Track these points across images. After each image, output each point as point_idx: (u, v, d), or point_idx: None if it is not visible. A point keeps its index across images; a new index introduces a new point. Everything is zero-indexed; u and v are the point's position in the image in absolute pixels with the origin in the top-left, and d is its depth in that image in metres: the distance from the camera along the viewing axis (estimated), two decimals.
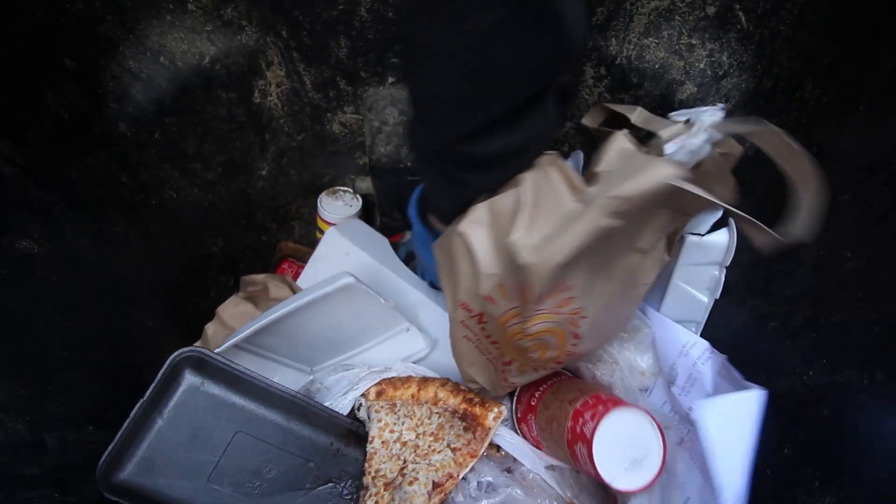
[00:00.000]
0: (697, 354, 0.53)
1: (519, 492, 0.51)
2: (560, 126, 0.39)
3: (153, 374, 0.46)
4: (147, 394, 0.46)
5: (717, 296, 0.58)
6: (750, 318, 0.56)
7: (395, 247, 0.77)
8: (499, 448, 0.55)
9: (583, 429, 0.44)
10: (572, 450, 0.45)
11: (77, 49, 0.52)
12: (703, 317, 0.60)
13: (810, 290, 0.48)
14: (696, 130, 0.43)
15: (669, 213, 0.40)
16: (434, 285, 0.66)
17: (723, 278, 0.57)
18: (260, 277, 0.68)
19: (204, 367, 0.48)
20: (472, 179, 0.40)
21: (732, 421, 0.44)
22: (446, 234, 0.45)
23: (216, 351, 0.52)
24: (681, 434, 0.53)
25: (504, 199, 0.41)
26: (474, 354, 0.51)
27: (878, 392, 0.40)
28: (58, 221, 0.51)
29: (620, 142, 0.40)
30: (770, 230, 0.36)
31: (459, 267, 0.43)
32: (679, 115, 0.53)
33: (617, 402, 0.44)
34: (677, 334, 0.55)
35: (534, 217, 0.39)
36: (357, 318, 0.59)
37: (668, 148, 0.43)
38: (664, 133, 0.42)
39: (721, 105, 0.50)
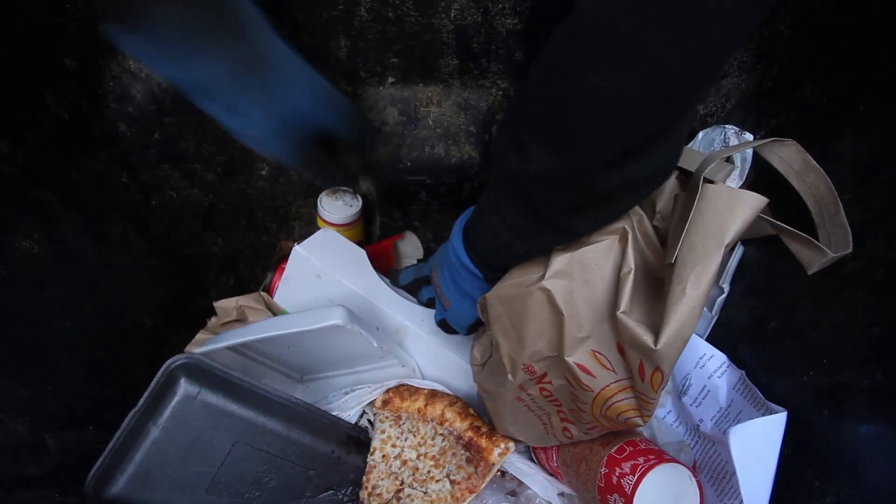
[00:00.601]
0: (714, 367, 0.52)
1: None
2: (676, 163, 0.36)
3: (153, 375, 0.46)
4: (140, 403, 0.44)
5: (717, 314, 0.58)
6: (750, 318, 0.56)
7: (390, 249, 0.77)
8: (504, 472, 0.53)
9: (621, 481, 0.44)
10: (604, 497, 0.45)
11: (77, 49, 0.52)
12: (704, 330, 0.59)
13: (810, 290, 0.48)
14: (742, 160, 0.42)
15: None
16: (447, 326, 0.56)
17: (723, 298, 0.57)
18: (231, 304, 0.63)
19: (200, 374, 0.47)
20: (569, 222, 0.35)
21: (761, 444, 0.44)
22: (511, 286, 0.41)
23: (200, 351, 0.51)
24: (693, 455, 0.53)
25: (596, 254, 0.37)
26: (522, 413, 0.48)
27: (878, 392, 0.40)
28: (58, 221, 0.51)
29: (673, 187, 0.39)
30: (824, 248, 0.37)
31: (530, 326, 0.40)
32: (698, 147, 0.53)
33: (658, 456, 0.44)
34: (695, 345, 0.54)
35: (637, 285, 0.36)
36: (350, 348, 0.56)
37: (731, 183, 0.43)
38: (720, 176, 0.41)
39: (731, 125, 0.50)
